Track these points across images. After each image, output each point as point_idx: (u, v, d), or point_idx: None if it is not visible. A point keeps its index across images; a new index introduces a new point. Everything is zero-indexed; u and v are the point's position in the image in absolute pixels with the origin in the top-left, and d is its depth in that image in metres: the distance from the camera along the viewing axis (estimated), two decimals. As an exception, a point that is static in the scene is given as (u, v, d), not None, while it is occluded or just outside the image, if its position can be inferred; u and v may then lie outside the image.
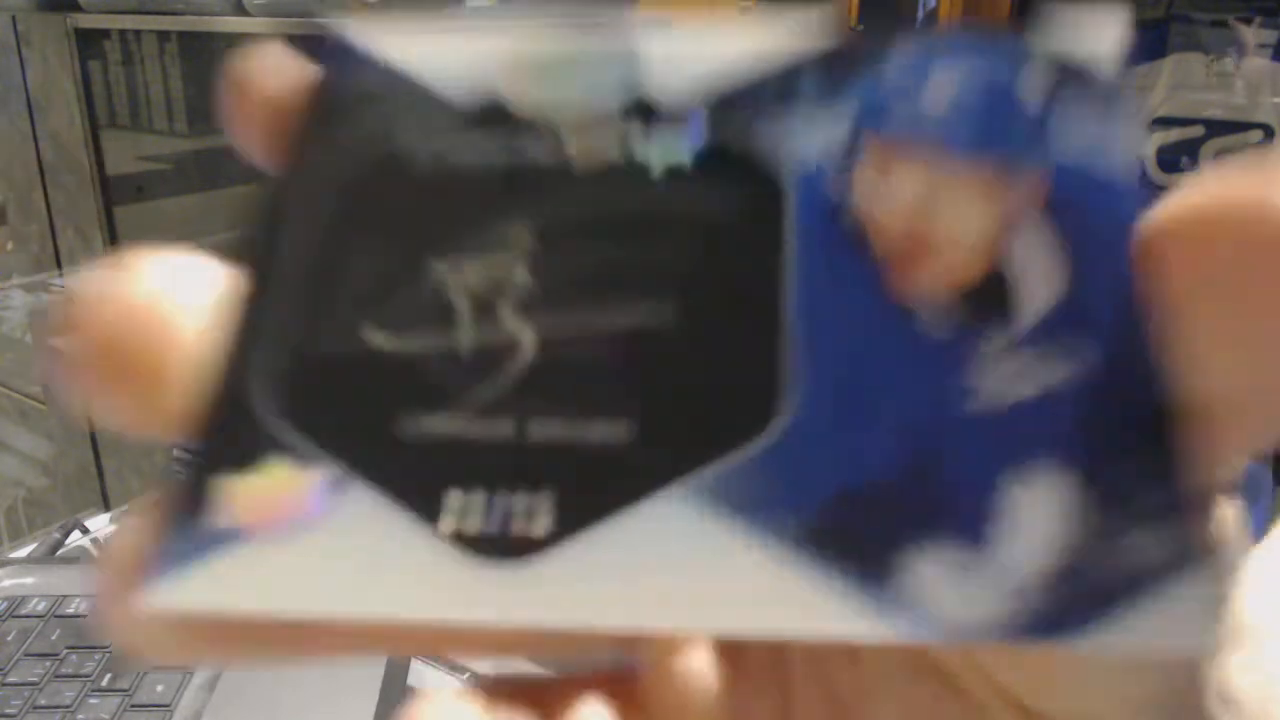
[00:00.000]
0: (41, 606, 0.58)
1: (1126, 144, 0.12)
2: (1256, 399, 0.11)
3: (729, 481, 0.11)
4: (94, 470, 1.65)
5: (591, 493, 0.11)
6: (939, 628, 0.10)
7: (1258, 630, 0.19)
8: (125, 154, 1.75)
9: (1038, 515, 0.11)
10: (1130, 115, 0.12)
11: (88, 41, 1.68)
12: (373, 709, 0.50)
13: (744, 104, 0.12)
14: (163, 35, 1.69)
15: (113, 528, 0.76)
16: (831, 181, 0.12)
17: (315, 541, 0.11)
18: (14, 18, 1.70)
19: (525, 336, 0.12)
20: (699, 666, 0.14)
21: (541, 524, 0.11)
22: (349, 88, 0.13)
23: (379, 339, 0.12)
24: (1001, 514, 0.11)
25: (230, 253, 0.12)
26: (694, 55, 0.13)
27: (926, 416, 0.11)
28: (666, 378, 0.11)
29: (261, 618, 0.11)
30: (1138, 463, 0.11)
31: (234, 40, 1.60)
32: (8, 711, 0.51)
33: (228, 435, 0.11)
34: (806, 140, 0.12)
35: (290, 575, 0.11)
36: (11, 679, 0.53)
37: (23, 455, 1.73)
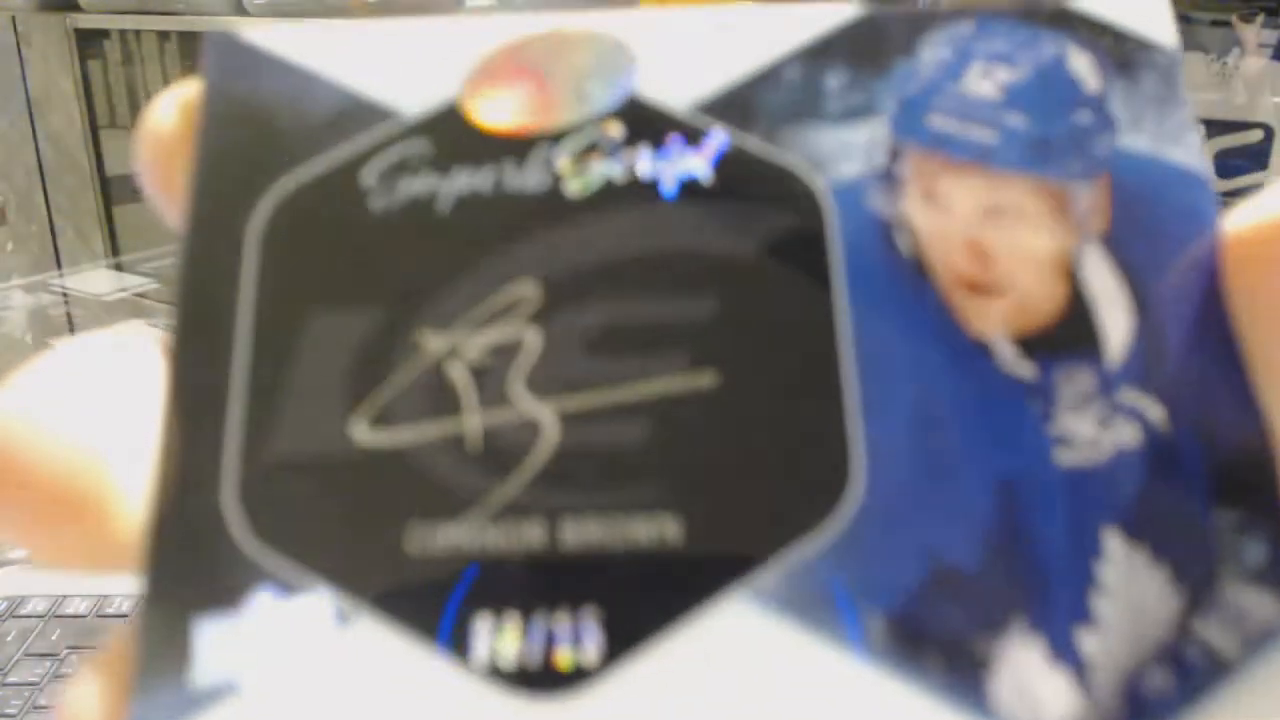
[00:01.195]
0: (41, 606, 0.58)
1: (1193, 131, 0.10)
2: None
3: (796, 579, 0.09)
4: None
5: (641, 607, 0.09)
6: None
7: None
8: (125, 154, 1.75)
9: (1141, 585, 0.09)
10: (1188, 100, 0.10)
11: (88, 41, 1.68)
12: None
13: (761, 103, 0.10)
14: (163, 35, 1.69)
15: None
16: (876, 194, 0.10)
17: (320, 688, 0.09)
18: (14, 18, 1.70)
19: (544, 416, 0.10)
20: None
21: (590, 648, 0.09)
22: (255, 98, 0.10)
23: (368, 435, 0.10)
24: (1097, 587, 0.09)
25: (170, 335, 0.10)
26: (695, 44, 0.11)
27: (1011, 473, 0.10)
28: (714, 455, 0.10)
29: None
30: (1236, 514, 0.09)
31: (234, 40, 1.60)
32: (8, 711, 0.51)
33: (202, 568, 0.09)
34: (840, 147, 0.10)
35: None
36: (11, 679, 0.53)
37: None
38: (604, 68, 0.10)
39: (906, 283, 0.10)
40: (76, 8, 1.65)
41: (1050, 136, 0.10)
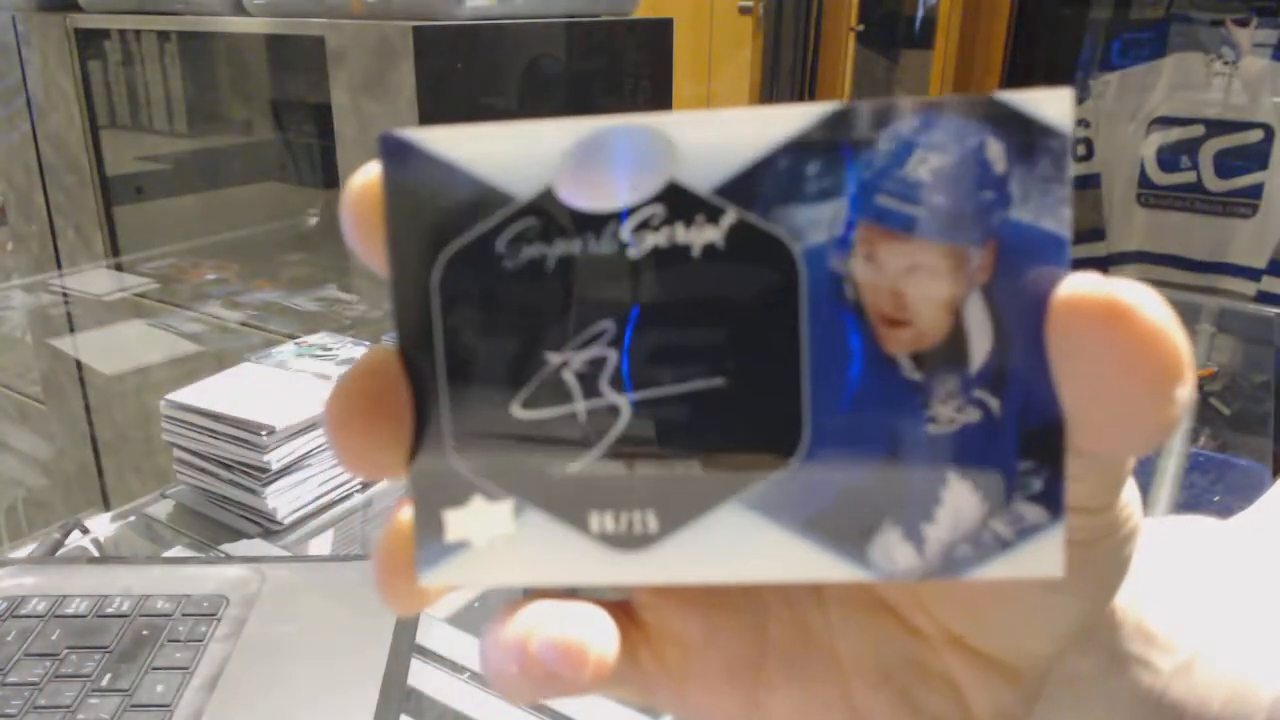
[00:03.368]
0: (41, 606, 0.58)
1: (1065, 205, 0.15)
2: (1104, 442, 0.15)
3: (766, 494, 0.16)
4: (94, 470, 1.65)
5: (680, 507, 0.16)
6: (889, 573, 0.16)
7: (1174, 579, 0.23)
8: (125, 154, 1.75)
9: (964, 501, 0.15)
10: (1070, 176, 0.15)
11: (88, 41, 1.68)
12: (373, 709, 0.50)
13: (761, 188, 0.15)
14: (163, 35, 1.69)
15: (113, 527, 0.76)
16: (834, 256, 0.15)
17: (510, 546, 0.16)
18: (14, 18, 1.70)
19: (622, 403, 0.16)
20: (679, 597, 0.19)
21: (651, 527, 0.16)
22: (417, 183, 0.16)
23: (522, 413, 0.16)
24: (938, 502, 0.15)
25: (399, 350, 0.17)
26: (717, 141, 0.15)
27: (899, 437, 0.15)
28: (722, 425, 0.16)
29: (487, 587, 0.18)
30: (1030, 463, 0.15)
31: (234, 40, 1.60)
32: (8, 711, 0.51)
33: (443, 485, 0.16)
34: (813, 220, 0.15)
35: (499, 564, 0.16)
36: (11, 679, 0.53)
37: (23, 455, 1.73)
38: (652, 159, 0.16)
39: (848, 318, 0.15)
40: (76, 8, 1.65)
41: (961, 211, 0.15)
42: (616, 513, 0.16)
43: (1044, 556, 0.15)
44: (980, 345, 0.15)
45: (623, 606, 0.19)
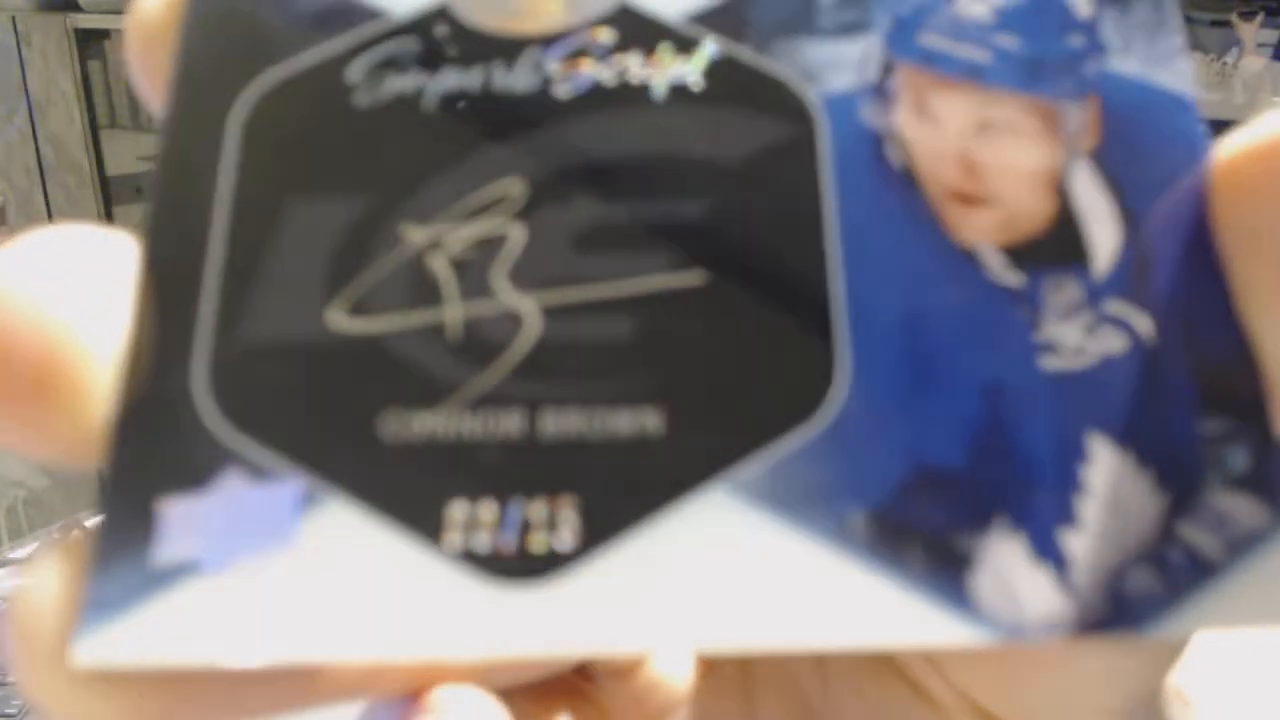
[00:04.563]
0: (42, 606, 0.58)
1: (1182, 57, 0.11)
2: None
3: (778, 474, 0.09)
4: (94, 470, 1.65)
5: (620, 496, 0.09)
6: (1015, 627, 0.09)
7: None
8: (125, 154, 1.75)
9: (1126, 488, 0.09)
10: (1181, 26, 0.11)
11: (88, 41, 1.68)
12: (373, 709, 0.50)
13: (753, 16, 0.11)
14: (163, 35, 1.69)
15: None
16: (869, 107, 0.10)
17: (286, 570, 0.09)
18: (14, 18, 1.70)
19: (526, 309, 0.10)
20: (662, 679, 0.14)
21: (565, 536, 0.09)
22: None
23: (345, 322, 0.09)
24: (1080, 489, 0.09)
25: (145, 220, 0.10)
26: None
27: (997, 377, 0.10)
28: (699, 352, 0.10)
29: (223, 670, 0.08)
30: (1220, 423, 0.09)
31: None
32: (8, 711, 0.51)
33: (168, 447, 0.09)
34: (832, 60, 0.11)
35: (256, 614, 0.08)
36: (12, 679, 0.53)
37: (23, 455, 1.73)
38: None
39: (895, 192, 0.10)
40: (76, 8, 1.65)
41: (1041, 57, 0.11)
42: (501, 505, 0.09)
43: (1275, 587, 0.09)
44: (1103, 235, 0.10)
45: (586, 687, 0.14)
